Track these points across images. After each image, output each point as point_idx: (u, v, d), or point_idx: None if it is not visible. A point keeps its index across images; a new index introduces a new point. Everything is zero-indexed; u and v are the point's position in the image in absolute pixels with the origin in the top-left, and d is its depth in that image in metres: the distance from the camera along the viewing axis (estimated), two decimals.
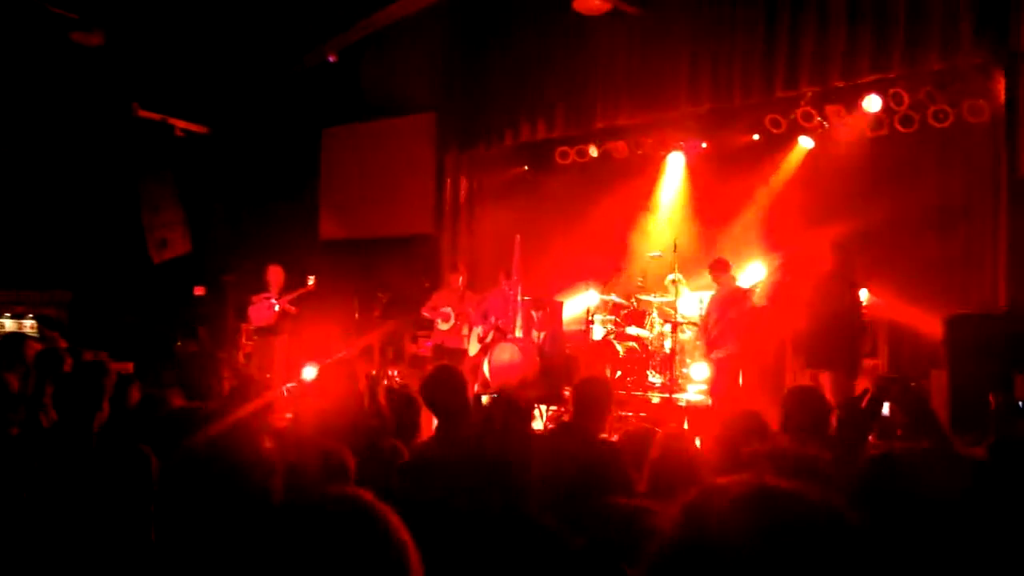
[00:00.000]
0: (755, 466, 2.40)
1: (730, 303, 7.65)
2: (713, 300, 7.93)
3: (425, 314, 9.31)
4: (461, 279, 9.24)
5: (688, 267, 8.84)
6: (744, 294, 7.73)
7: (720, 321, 7.64)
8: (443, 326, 9.10)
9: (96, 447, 2.78)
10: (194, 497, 1.82)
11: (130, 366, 6.43)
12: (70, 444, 3.18)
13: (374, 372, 9.01)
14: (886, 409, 4.36)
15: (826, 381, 5.96)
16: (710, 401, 7.79)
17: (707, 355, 7.79)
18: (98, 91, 10.41)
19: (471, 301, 9.13)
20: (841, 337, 6.26)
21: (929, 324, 7.52)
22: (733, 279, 7.95)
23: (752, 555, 0.89)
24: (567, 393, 4.32)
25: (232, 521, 1.74)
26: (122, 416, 4.36)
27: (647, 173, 10.47)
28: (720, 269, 7.88)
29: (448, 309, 9.07)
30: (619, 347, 8.93)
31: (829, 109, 8.77)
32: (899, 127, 8.48)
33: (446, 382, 3.86)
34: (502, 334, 8.56)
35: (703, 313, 8.11)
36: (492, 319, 8.81)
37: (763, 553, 0.89)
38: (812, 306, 6.47)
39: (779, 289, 6.61)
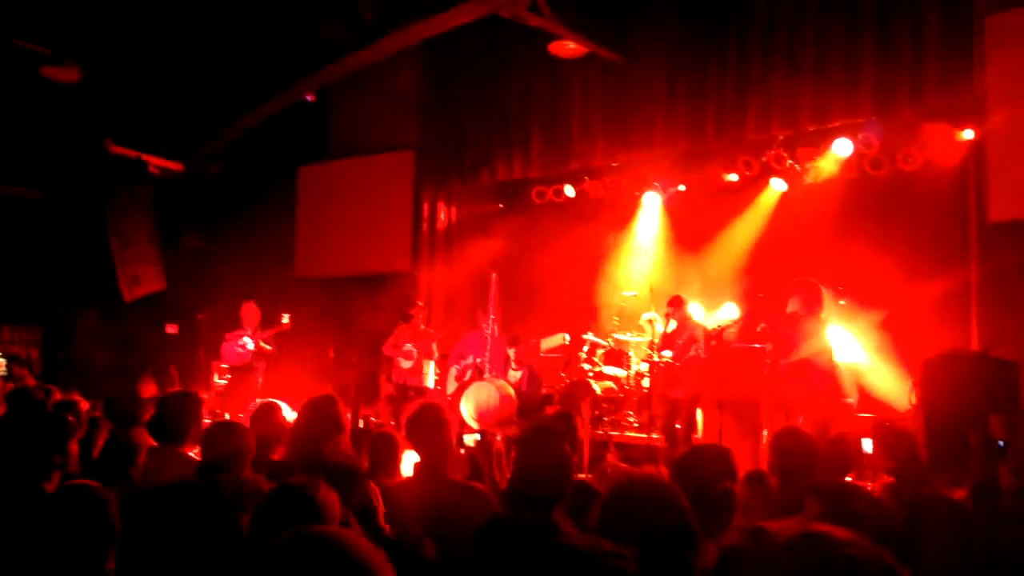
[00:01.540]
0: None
1: (689, 340, 7.76)
2: (667, 336, 8.03)
3: (387, 353, 9.22)
4: (422, 316, 9.19)
5: (664, 306, 8.87)
6: (701, 331, 7.84)
7: (677, 358, 7.72)
8: (405, 364, 9.02)
9: (58, 489, 2.70)
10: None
11: (100, 404, 6.28)
12: (29, 486, 3.07)
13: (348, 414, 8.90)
14: (868, 447, 4.39)
15: (803, 421, 5.95)
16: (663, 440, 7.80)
17: (665, 393, 7.82)
18: (72, 127, 10.32)
19: (432, 338, 9.08)
20: (818, 379, 6.27)
21: (901, 364, 7.59)
22: (689, 316, 8.04)
23: None
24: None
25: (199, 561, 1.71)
26: (90, 454, 4.26)
27: (623, 213, 10.56)
28: (676, 305, 7.99)
29: (410, 347, 9.00)
30: (596, 386, 8.89)
31: (800, 152, 8.92)
32: (869, 170, 8.63)
33: (428, 421, 3.82)
34: (479, 373, 8.50)
35: (655, 347, 8.18)
36: (470, 358, 8.75)
37: None
38: (787, 345, 6.49)
39: (771, 325, 6.62)
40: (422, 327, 9.18)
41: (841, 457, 3.76)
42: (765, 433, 6.84)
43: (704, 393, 7.90)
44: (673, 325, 8.22)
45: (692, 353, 7.89)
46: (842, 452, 3.79)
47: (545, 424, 4.35)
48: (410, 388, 8.91)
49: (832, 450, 3.75)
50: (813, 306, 6.52)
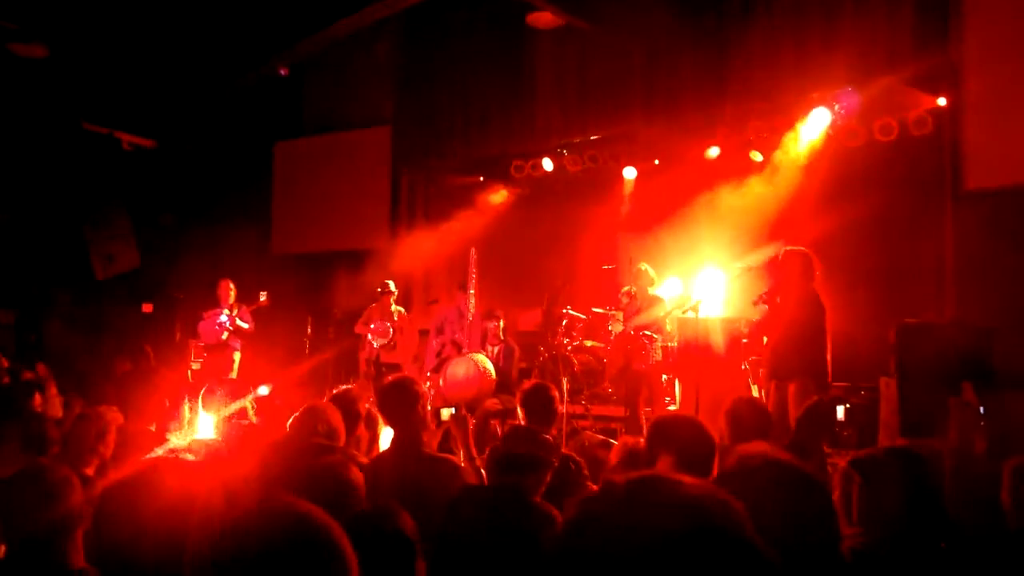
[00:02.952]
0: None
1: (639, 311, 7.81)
2: (627, 308, 8.07)
3: (358, 331, 9.18)
4: (392, 297, 9.13)
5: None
6: (658, 303, 7.88)
7: (640, 331, 7.75)
8: (377, 341, 8.98)
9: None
10: None
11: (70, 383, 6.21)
12: None
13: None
14: (841, 414, 4.42)
15: (793, 391, 5.92)
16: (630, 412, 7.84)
17: (628, 364, 7.84)
18: (43, 104, 10.12)
19: (403, 318, 9.05)
20: (808, 346, 6.26)
21: (876, 334, 7.62)
22: (645, 287, 8.06)
23: (633, 543, 0.86)
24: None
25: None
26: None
27: (602, 186, 10.50)
28: (635, 277, 8.05)
29: (383, 322, 8.97)
30: (575, 360, 8.89)
31: (778, 123, 8.89)
32: (845, 141, 8.62)
33: (401, 395, 3.79)
34: (457, 348, 8.47)
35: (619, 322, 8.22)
36: (448, 333, 8.72)
37: (643, 541, 0.86)
38: (777, 315, 6.48)
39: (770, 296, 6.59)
40: (393, 307, 9.12)
41: (814, 425, 3.78)
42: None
43: (667, 365, 7.93)
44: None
45: (644, 323, 7.91)
46: (815, 419, 3.81)
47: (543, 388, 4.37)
48: (383, 365, 8.88)
49: (805, 418, 3.76)
50: (804, 274, 6.50)
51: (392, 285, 9.23)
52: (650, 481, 0.93)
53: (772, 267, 6.66)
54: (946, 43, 6.96)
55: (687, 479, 0.93)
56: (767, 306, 6.57)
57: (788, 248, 6.70)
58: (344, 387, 4.43)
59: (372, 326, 9.04)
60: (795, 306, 6.30)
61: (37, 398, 3.85)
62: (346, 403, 3.94)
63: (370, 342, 9.05)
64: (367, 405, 4.27)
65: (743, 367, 7.23)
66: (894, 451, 2.38)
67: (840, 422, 4.24)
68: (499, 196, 10.96)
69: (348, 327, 9.82)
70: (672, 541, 0.85)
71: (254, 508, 1.27)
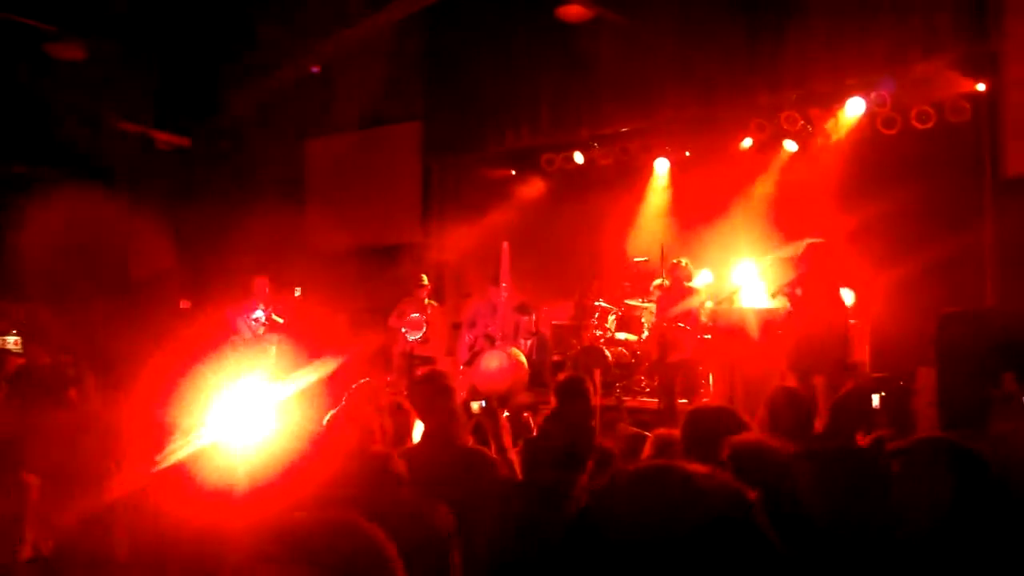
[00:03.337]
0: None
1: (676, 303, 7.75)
2: (661, 301, 8.01)
3: (392, 324, 9.22)
4: (426, 291, 9.16)
5: None
6: (695, 295, 7.81)
7: (667, 322, 7.71)
8: (412, 335, 9.02)
9: None
10: None
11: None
12: None
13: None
14: (876, 402, 4.37)
15: (819, 384, 5.90)
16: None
17: (663, 356, 7.80)
18: (77, 103, 10.28)
19: (436, 311, 9.06)
20: (831, 339, 6.21)
21: (914, 323, 7.50)
22: (681, 280, 8.00)
23: (641, 531, 0.87)
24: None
25: None
26: None
27: (633, 179, 10.46)
28: (670, 270, 8.02)
29: (417, 315, 9.00)
30: (608, 353, 8.87)
31: (813, 112, 8.78)
32: (882, 129, 8.49)
33: (433, 387, 3.80)
34: (490, 341, 8.49)
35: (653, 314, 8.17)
36: (481, 327, 8.74)
37: (651, 529, 0.87)
38: (802, 308, 6.43)
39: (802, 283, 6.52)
40: (426, 301, 9.16)
41: (850, 413, 3.74)
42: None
43: (701, 356, 7.89)
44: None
45: (679, 315, 7.85)
46: (852, 408, 3.77)
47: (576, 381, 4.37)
48: (416, 358, 8.92)
49: (840, 406, 3.72)
50: (828, 268, 6.44)
51: (425, 279, 9.26)
52: (659, 470, 0.92)
53: (794, 260, 6.61)
54: (986, 28, 6.82)
55: (698, 467, 0.93)
56: (787, 299, 6.53)
57: (811, 241, 6.64)
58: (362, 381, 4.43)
59: (406, 320, 9.07)
60: (819, 300, 6.24)
61: (72, 391, 3.92)
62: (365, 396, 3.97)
63: (404, 335, 9.08)
64: (395, 398, 4.29)
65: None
66: (934, 442, 2.33)
67: (876, 410, 4.19)
68: (531, 189, 10.95)
69: (382, 322, 9.88)
70: (681, 529, 0.86)
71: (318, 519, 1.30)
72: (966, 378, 5.21)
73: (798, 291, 6.40)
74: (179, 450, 3.06)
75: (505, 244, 8.59)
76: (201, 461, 2.73)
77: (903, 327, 7.67)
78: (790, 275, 6.85)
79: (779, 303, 6.95)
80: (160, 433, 3.64)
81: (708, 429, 3.01)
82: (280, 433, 3.66)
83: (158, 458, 2.91)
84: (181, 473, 2.68)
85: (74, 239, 10.51)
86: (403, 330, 9.09)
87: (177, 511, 2.54)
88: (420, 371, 4.09)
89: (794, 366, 6.47)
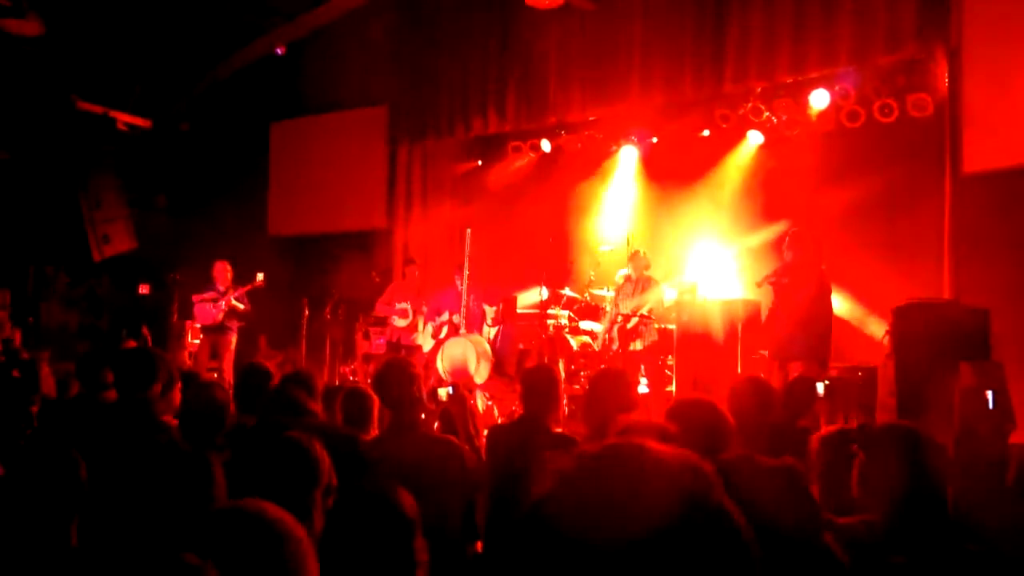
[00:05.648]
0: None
1: (645, 293, 7.81)
2: (620, 290, 8.09)
3: (379, 310, 9.17)
4: (417, 273, 9.12)
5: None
6: (655, 284, 7.91)
7: (635, 312, 7.78)
8: (400, 322, 8.99)
9: (26, 448, 2.65)
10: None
11: (71, 366, 6.22)
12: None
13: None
14: (821, 390, 4.49)
15: (796, 372, 5.98)
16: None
17: (623, 347, 7.88)
18: (37, 84, 10.06)
19: (426, 297, 9.02)
20: (815, 327, 6.30)
21: (878, 314, 7.66)
22: (642, 269, 8.07)
23: (608, 511, 0.87)
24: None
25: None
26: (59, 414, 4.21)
27: (600, 167, 10.51)
28: (631, 259, 8.07)
29: (405, 305, 8.96)
30: (572, 342, 8.92)
31: (777, 104, 8.87)
32: (845, 122, 8.61)
33: (397, 375, 3.79)
34: (455, 329, 8.49)
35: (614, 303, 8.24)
36: (446, 315, 8.73)
37: (618, 508, 0.86)
38: (782, 296, 6.50)
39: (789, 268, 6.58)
40: (419, 286, 9.14)
41: (796, 400, 3.85)
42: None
43: (663, 346, 7.98)
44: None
45: (645, 306, 7.93)
46: (797, 396, 3.88)
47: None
48: (403, 346, 8.88)
49: (787, 396, 3.83)
50: (809, 255, 6.52)
51: (413, 262, 9.20)
52: (623, 448, 0.93)
53: (780, 248, 6.69)
54: (946, 25, 6.94)
55: (660, 446, 0.92)
56: (772, 287, 6.61)
57: (797, 229, 6.72)
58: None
59: (394, 308, 9.00)
60: (803, 288, 6.33)
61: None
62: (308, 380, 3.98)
63: (393, 324, 9.02)
64: (358, 385, 4.29)
65: (762, 353, 7.25)
66: (892, 426, 2.40)
67: (820, 398, 4.32)
68: (498, 177, 10.95)
69: (344, 308, 9.84)
70: (647, 508, 0.85)
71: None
72: (922, 368, 5.33)
73: (784, 280, 6.47)
74: None
75: (468, 230, 8.58)
76: None
77: (865, 316, 7.84)
78: (774, 263, 6.92)
79: (757, 294, 7.04)
80: None
81: (689, 420, 3.05)
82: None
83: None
84: None
85: (30, 222, 10.29)
86: (393, 318, 9.02)
87: None
88: (381, 359, 4.07)
89: (776, 354, 6.55)
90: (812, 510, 2.02)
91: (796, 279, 6.44)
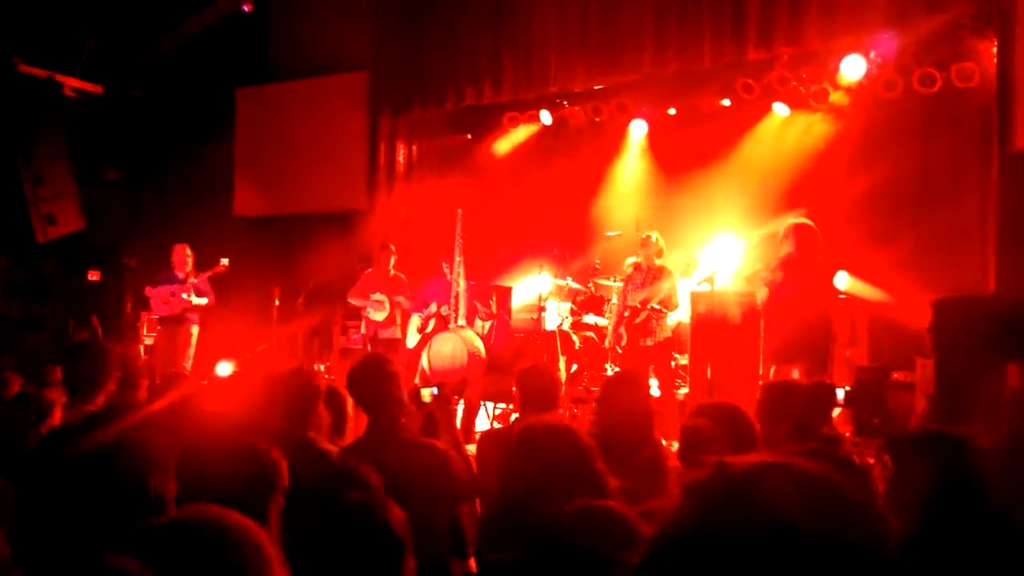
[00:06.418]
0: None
1: (657, 283, 7.80)
2: (629, 279, 8.08)
3: (352, 301, 9.16)
4: (392, 259, 9.11)
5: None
6: (671, 276, 7.89)
7: (650, 302, 7.78)
8: (375, 315, 8.98)
9: None
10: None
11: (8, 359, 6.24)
12: None
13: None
14: (841, 395, 4.54)
15: (799, 376, 6.02)
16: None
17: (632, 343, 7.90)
18: None
19: (404, 285, 9.03)
20: (812, 328, 6.32)
21: (913, 309, 7.67)
22: (653, 257, 8.07)
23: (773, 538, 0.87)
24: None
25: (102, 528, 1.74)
26: None
27: (606, 143, 10.49)
28: (642, 246, 8.06)
29: (380, 295, 8.94)
30: (575, 337, 8.92)
31: (806, 72, 8.85)
32: (882, 93, 8.60)
33: (375, 374, 3.79)
34: (444, 323, 8.48)
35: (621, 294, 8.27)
36: (433, 306, 8.71)
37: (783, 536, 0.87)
38: (784, 294, 6.52)
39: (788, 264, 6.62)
40: (392, 272, 9.11)
41: (817, 406, 3.89)
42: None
43: (676, 343, 7.98)
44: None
45: (656, 298, 7.93)
46: (817, 401, 3.92)
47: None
48: (382, 341, 8.88)
49: (808, 399, 3.86)
50: (807, 250, 6.53)
51: (392, 247, 9.18)
52: (775, 467, 0.93)
53: (777, 241, 6.70)
54: None
55: (809, 464, 0.94)
56: (765, 284, 6.62)
57: (794, 221, 6.73)
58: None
59: (369, 299, 8.98)
60: (802, 285, 6.34)
61: None
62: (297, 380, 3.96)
63: (367, 316, 9.02)
64: (333, 385, 4.29)
65: None
66: (928, 434, 2.40)
67: (839, 404, 4.41)
68: (492, 152, 10.93)
69: (319, 298, 9.82)
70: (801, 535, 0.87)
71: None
72: (965, 369, 5.34)
73: (779, 275, 6.48)
74: None
75: (459, 212, 8.56)
76: None
77: (899, 312, 7.84)
78: (771, 257, 6.94)
79: (754, 287, 7.06)
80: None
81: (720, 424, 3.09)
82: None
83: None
84: None
85: None
86: (367, 310, 9.02)
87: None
88: (356, 357, 4.06)
89: (773, 356, 6.58)
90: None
91: (794, 274, 6.46)
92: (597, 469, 2.66)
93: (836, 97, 8.92)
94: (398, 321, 8.95)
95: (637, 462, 3.46)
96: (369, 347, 8.79)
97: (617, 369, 7.98)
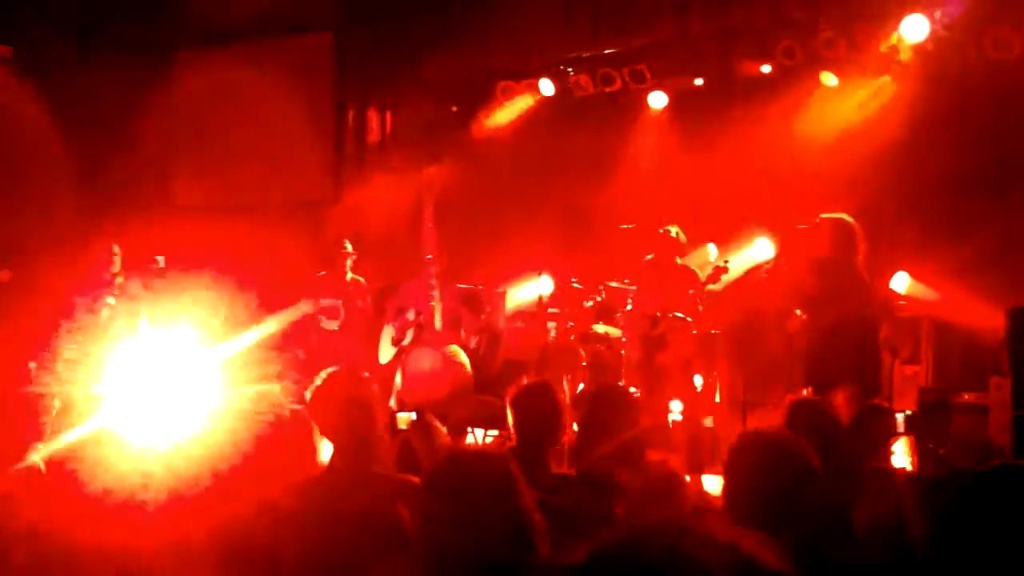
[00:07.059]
0: None
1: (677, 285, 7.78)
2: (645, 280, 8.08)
3: (304, 308, 9.20)
4: (350, 261, 9.12)
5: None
6: (694, 277, 7.88)
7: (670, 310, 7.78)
8: (328, 324, 8.99)
9: None
10: None
11: None
12: None
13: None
14: (901, 422, 4.55)
15: (840, 402, 5.98)
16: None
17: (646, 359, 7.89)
18: None
19: (363, 291, 9.02)
20: (853, 345, 6.30)
21: (987, 318, 7.69)
22: (675, 254, 8.06)
23: None
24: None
25: None
26: None
27: (619, 118, 10.50)
28: (661, 240, 8.06)
29: (335, 301, 8.97)
30: (581, 351, 8.91)
31: (859, 35, 8.87)
32: (949, 59, 8.62)
33: (343, 396, 3.79)
34: (423, 334, 8.48)
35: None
36: (411, 314, 8.72)
37: None
38: (811, 305, 6.52)
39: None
40: (349, 276, 9.11)
41: (866, 436, 3.90)
42: None
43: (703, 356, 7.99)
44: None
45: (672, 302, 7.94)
46: (868, 430, 3.93)
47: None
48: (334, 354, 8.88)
49: (851, 430, 3.87)
50: (845, 251, 6.54)
51: (349, 247, 9.21)
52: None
53: (805, 241, 6.70)
54: None
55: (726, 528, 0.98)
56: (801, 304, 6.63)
57: (827, 216, 6.73)
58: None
59: (321, 304, 9.00)
60: (837, 292, 6.33)
61: None
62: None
63: (321, 324, 9.03)
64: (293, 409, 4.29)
65: None
66: (1005, 468, 2.39)
67: (900, 434, 4.40)
68: (481, 129, 10.94)
69: (276, 303, 9.80)
70: None
71: None
72: None
73: (808, 281, 6.49)
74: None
75: (429, 200, 8.56)
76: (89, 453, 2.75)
77: (970, 322, 7.86)
78: (798, 259, 6.95)
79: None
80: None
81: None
82: (206, 436, 3.66)
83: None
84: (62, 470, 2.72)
85: None
86: (321, 319, 9.02)
87: (61, 521, 2.57)
88: (328, 373, 4.06)
89: (807, 380, 6.57)
90: None
91: (829, 280, 6.45)
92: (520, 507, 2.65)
93: (894, 65, 8.94)
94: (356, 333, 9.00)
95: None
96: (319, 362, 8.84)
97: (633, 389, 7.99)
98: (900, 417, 4.44)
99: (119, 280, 9.27)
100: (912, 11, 8.41)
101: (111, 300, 9.19)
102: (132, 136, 11.25)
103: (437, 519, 2.63)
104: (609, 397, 4.21)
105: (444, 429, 6.10)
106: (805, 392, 6.44)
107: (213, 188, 11.41)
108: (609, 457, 3.74)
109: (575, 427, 5.06)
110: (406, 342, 8.62)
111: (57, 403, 7.66)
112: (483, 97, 10.86)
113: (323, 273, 9.23)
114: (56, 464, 3.09)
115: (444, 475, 2.73)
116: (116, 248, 9.41)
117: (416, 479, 3.88)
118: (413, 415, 4.23)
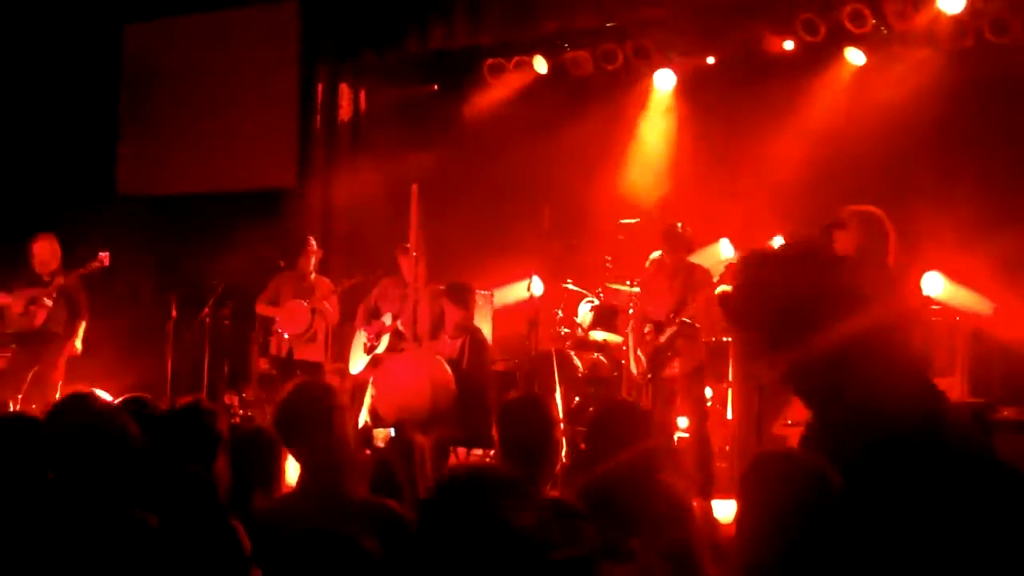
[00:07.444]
0: None
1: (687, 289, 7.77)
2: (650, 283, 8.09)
3: (260, 311, 9.20)
4: (314, 259, 9.14)
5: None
6: (707, 278, 7.87)
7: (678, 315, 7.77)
8: (290, 331, 9.00)
9: None
10: None
11: None
12: None
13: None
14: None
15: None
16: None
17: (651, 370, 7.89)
18: None
19: (328, 291, 9.07)
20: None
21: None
22: (684, 254, 8.05)
23: None
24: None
25: None
26: None
27: (621, 99, 10.52)
28: (668, 239, 8.02)
29: (303, 305, 8.96)
30: (577, 361, 8.89)
31: (889, 7, 8.89)
32: (989, 35, 8.64)
33: (312, 410, 3.76)
34: (399, 340, 8.47)
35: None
36: (387, 318, 8.71)
37: None
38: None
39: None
40: (313, 275, 9.17)
41: None
42: None
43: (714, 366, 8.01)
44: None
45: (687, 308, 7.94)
46: None
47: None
48: (298, 364, 8.91)
49: None
50: (868, 251, 6.54)
51: (314, 243, 9.23)
52: None
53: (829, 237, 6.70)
54: None
55: None
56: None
57: (853, 208, 6.72)
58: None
59: (282, 308, 9.00)
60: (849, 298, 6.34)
61: None
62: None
63: (278, 331, 9.02)
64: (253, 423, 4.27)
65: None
66: None
67: None
68: (467, 110, 10.95)
69: (232, 306, 9.79)
70: None
71: None
72: None
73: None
74: None
75: (415, 188, 8.55)
76: None
77: (1013, 328, 7.88)
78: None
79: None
80: None
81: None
82: None
83: None
84: None
85: None
86: (280, 323, 9.03)
87: None
88: (288, 385, 4.04)
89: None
90: None
91: (845, 287, 6.45)
92: None
93: (928, 41, 8.96)
94: (323, 339, 9.01)
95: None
96: (279, 371, 8.90)
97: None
98: None
99: (56, 281, 9.21)
100: None
101: (48, 301, 9.14)
102: (72, 120, 11.23)
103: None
104: (618, 414, 4.16)
105: (425, 447, 6.08)
106: None
107: (162, 175, 11.39)
108: (616, 481, 3.71)
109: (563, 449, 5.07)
110: (380, 350, 8.60)
111: None
112: (468, 75, 10.85)
113: (285, 272, 9.21)
114: None
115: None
116: (54, 243, 9.36)
117: (394, 503, 3.87)
118: (391, 431, 4.21)
